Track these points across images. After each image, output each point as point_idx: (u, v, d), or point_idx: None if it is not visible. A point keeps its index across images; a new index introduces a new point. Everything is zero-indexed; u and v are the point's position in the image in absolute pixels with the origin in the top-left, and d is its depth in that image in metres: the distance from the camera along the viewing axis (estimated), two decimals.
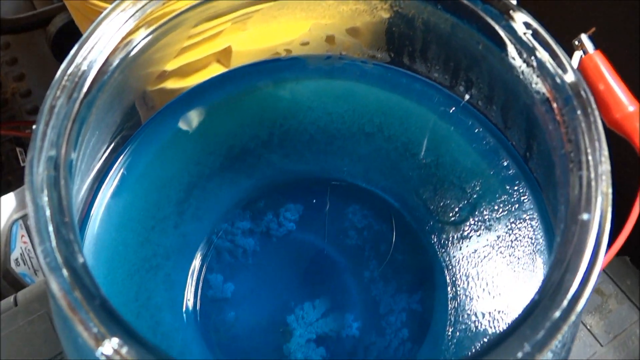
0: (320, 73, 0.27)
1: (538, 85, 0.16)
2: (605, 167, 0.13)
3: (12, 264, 0.51)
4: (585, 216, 0.13)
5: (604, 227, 0.12)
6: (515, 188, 0.24)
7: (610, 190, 0.13)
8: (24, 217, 0.54)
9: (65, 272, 0.12)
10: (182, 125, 0.25)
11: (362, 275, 0.27)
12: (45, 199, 0.13)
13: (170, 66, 0.24)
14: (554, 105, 0.15)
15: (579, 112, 0.15)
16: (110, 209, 0.24)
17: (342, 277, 0.27)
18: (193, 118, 0.25)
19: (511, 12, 0.16)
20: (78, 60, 0.16)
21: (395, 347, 0.26)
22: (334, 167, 0.28)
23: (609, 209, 0.13)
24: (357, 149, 0.28)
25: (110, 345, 0.12)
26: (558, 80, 0.15)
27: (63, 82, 0.15)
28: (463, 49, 0.20)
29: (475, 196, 0.26)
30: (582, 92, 0.15)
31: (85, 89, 0.15)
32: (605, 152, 0.14)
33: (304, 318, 0.25)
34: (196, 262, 0.26)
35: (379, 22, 0.22)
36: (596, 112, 0.14)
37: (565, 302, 0.12)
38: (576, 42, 0.20)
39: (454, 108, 0.25)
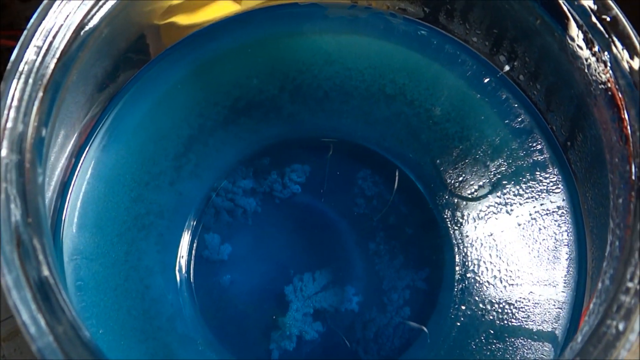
0: (342, 24, 0.24)
1: (606, 85, 0.13)
2: None
3: None
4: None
5: None
6: (547, 175, 0.22)
7: None
8: None
9: (26, 287, 0.10)
10: (184, 72, 0.22)
11: (367, 247, 0.26)
12: (7, 190, 0.11)
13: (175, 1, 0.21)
14: (623, 115, 0.13)
15: None
16: (100, 162, 0.22)
17: (345, 247, 0.26)
18: (197, 65, 0.23)
19: None
20: (52, 15, 0.13)
21: (395, 325, 0.25)
22: (347, 129, 0.26)
23: None
24: (375, 111, 0.26)
25: None
26: (635, 86, 0.13)
27: (33, 41, 0.12)
28: (514, 18, 0.17)
29: (499, 176, 0.24)
30: None
31: (61, 47, 0.12)
32: None
33: (302, 290, 0.24)
34: (192, 221, 0.25)
35: None
36: None
37: None
38: None
39: (489, 78, 0.22)
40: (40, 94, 0.12)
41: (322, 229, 0.26)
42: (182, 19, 0.21)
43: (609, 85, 0.13)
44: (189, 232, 0.24)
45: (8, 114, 0.11)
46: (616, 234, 0.12)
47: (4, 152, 0.11)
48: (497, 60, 0.21)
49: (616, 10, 0.13)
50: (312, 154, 0.26)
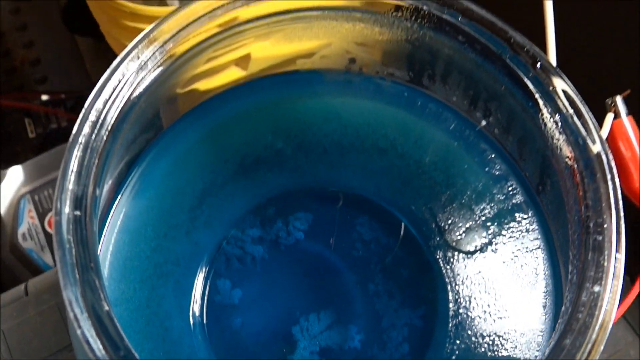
0: (338, 87, 0.27)
1: (559, 142, 0.16)
2: (621, 241, 0.14)
3: (20, 239, 0.52)
4: (596, 288, 0.13)
5: (614, 300, 0.13)
6: (525, 217, 0.25)
7: (622, 266, 0.13)
8: (32, 192, 0.55)
9: (89, 320, 0.12)
10: (199, 134, 0.25)
11: (366, 288, 0.28)
12: (72, 241, 0.13)
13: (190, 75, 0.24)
14: (574, 165, 0.15)
15: (598, 177, 0.15)
16: (126, 215, 0.24)
17: (347, 288, 0.28)
18: (210, 128, 0.26)
19: (539, 65, 0.16)
20: (105, 94, 0.16)
21: None
22: (345, 180, 0.29)
23: (620, 283, 0.13)
24: (369, 163, 0.28)
25: None
26: (581, 143, 0.15)
27: (90, 117, 0.15)
28: (485, 84, 0.20)
29: (483, 218, 0.27)
30: (605, 159, 0.15)
31: (112, 122, 0.15)
32: (622, 224, 0.14)
33: (308, 330, 0.26)
34: (205, 268, 0.27)
35: (401, 45, 0.22)
36: (617, 181, 0.15)
37: None
38: (609, 102, 0.20)
39: (469, 132, 0.25)
40: (96, 161, 0.15)
41: (324, 272, 0.28)
42: (200, 86, 0.24)
43: (561, 141, 0.16)
44: (203, 278, 0.27)
45: (71, 178, 0.14)
46: (574, 264, 0.14)
47: (67, 209, 0.14)
48: (475, 116, 0.24)
49: (563, 81, 0.16)
50: (314, 203, 0.29)
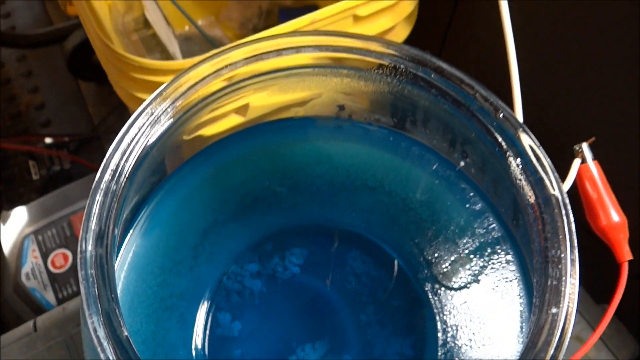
0: (329, 132, 0.29)
1: (522, 182, 0.18)
2: (575, 269, 0.16)
3: (23, 278, 0.53)
4: (554, 310, 0.15)
5: (569, 320, 0.15)
6: (502, 249, 0.27)
7: (576, 290, 0.15)
8: (36, 232, 0.56)
9: (110, 344, 0.14)
10: (201, 177, 0.27)
11: (359, 319, 0.29)
12: (94, 275, 0.15)
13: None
14: (535, 203, 0.18)
15: (556, 213, 0.17)
16: (135, 253, 0.26)
17: (341, 319, 0.30)
18: (212, 171, 0.28)
19: (501, 115, 0.19)
20: (123, 146, 0.18)
21: None
22: (338, 217, 0.31)
23: (574, 305, 0.15)
24: (359, 201, 0.30)
25: None
26: (539, 183, 0.18)
27: (110, 166, 0.17)
28: (459, 130, 0.23)
29: (466, 252, 0.29)
30: (560, 197, 0.17)
31: (129, 170, 0.17)
32: (576, 254, 0.16)
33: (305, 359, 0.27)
34: (207, 302, 0.28)
35: (385, 96, 0.25)
36: (571, 216, 0.17)
37: None
38: (577, 148, 0.23)
39: (449, 172, 0.28)
40: (115, 204, 0.17)
41: (319, 304, 0.30)
42: (204, 132, 0.26)
43: (523, 181, 0.18)
44: (205, 311, 0.28)
45: (94, 219, 0.16)
46: (537, 290, 0.16)
47: (90, 247, 0.16)
48: (454, 157, 0.26)
49: (522, 128, 0.19)
50: (309, 239, 0.31)
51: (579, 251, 0.16)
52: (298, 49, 0.22)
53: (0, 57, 0.82)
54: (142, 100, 0.33)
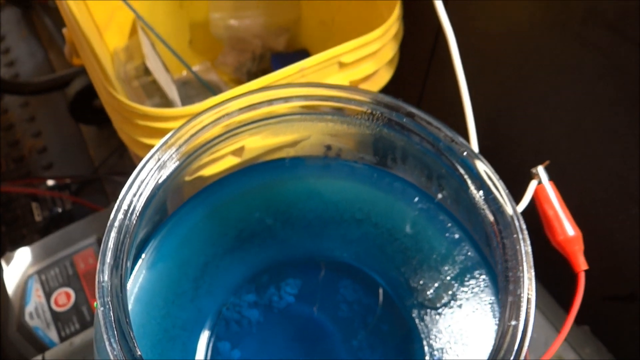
0: (318, 170, 0.32)
1: (485, 211, 0.21)
2: (531, 286, 0.18)
3: (27, 317, 0.54)
4: (513, 322, 0.17)
5: (527, 331, 0.17)
6: (479, 274, 0.29)
7: (533, 305, 0.18)
8: (39, 272, 0.58)
9: None
10: (202, 214, 0.30)
11: (351, 344, 0.31)
12: (110, 302, 0.17)
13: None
14: (496, 229, 0.20)
15: (514, 238, 0.19)
16: (140, 286, 0.28)
17: (334, 345, 0.31)
18: (211, 208, 0.30)
19: (465, 152, 0.21)
20: (133, 189, 0.20)
21: None
22: (329, 248, 0.33)
23: (532, 318, 0.17)
24: (348, 233, 0.33)
25: None
26: (500, 212, 0.20)
27: (123, 206, 0.20)
28: (432, 167, 0.25)
29: (448, 278, 0.31)
30: (517, 223, 0.20)
31: (139, 209, 0.20)
32: (532, 273, 0.18)
33: None
34: (208, 332, 0.30)
35: (367, 136, 0.28)
36: (527, 239, 0.19)
37: None
38: (533, 171, 0.26)
39: (429, 204, 0.30)
40: (128, 240, 0.19)
41: (314, 331, 0.32)
42: (204, 173, 0.29)
43: (486, 210, 0.20)
44: (205, 341, 0.30)
45: (109, 254, 0.18)
46: (501, 305, 0.19)
47: (106, 278, 0.18)
48: (432, 191, 0.29)
49: (483, 162, 0.21)
50: (302, 270, 0.33)
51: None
52: (287, 99, 0.24)
53: (4, 103, 0.86)
54: (145, 145, 0.36)
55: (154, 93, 0.59)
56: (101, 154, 0.80)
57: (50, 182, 0.74)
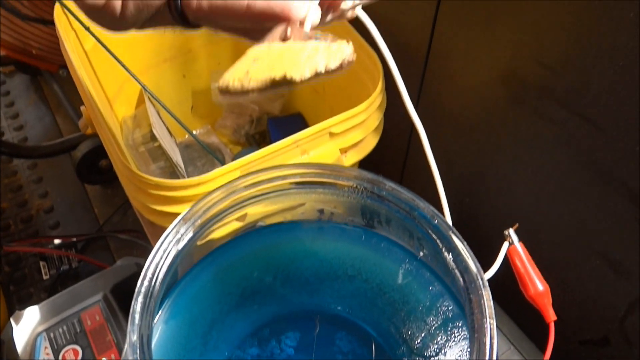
0: (313, 232, 0.36)
1: (455, 270, 0.24)
2: (493, 332, 0.21)
3: None
4: None
5: None
6: (460, 325, 0.32)
7: (495, 348, 0.21)
8: (48, 330, 0.60)
9: None
10: (209, 275, 0.33)
11: None
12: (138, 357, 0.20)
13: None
14: (464, 286, 0.24)
15: (479, 294, 0.23)
16: (155, 344, 0.31)
17: None
18: (218, 270, 0.34)
19: (436, 220, 0.25)
20: (156, 259, 0.24)
21: None
22: (324, 302, 0.36)
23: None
24: (342, 289, 0.36)
25: None
26: (466, 270, 0.24)
27: (148, 274, 0.23)
28: (412, 230, 0.29)
29: (434, 328, 0.34)
30: (480, 281, 0.23)
31: (161, 276, 0.23)
32: (493, 323, 0.22)
33: None
34: None
35: (354, 204, 0.32)
36: (489, 294, 0.23)
37: None
38: (506, 233, 0.30)
39: (413, 261, 0.34)
40: (153, 303, 0.22)
41: None
42: (214, 235, 0.32)
43: (455, 269, 0.24)
44: None
45: (136, 316, 0.22)
46: (470, 349, 0.22)
47: (135, 337, 0.21)
48: (415, 249, 0.33)
49: (451, 230, 0.25)
50: (301, 323, 0.36)
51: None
52: (284, 177, 0.29)
53: (13, 166, 0.90)
54: (156, 211, 0.39)
55: (159, 157, 0.63)
56: (105, 211, 0.83)
57: (57, 241, 0.77)
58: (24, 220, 0.83)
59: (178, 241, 0.26)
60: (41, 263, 0.76)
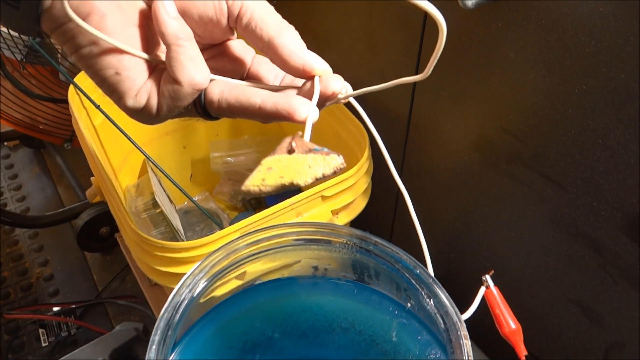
0: (308, 287, 0.38)
1: (436, 315, 0.27)
2: None
3: None
4: None
5: None
6: None
7: None
8: None
9: None
10: (212, 330, 0.36)
11: None
12: None
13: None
14: (444, 328, 0.26)
15: (458, 335, 0.26)
16: None
17: None
18: (220, 325, 0.36)
19: (418, 270, 0.28)
20: (167, 314, 0.27)
21: None
22: (320, 354, 0.39)
23: None
24: (337, 340, 0.39)
25: None
26: (446, 314, 0.27)
27: (161, 325, 0.26)
28: (398, 281, 0.32)
29: None
30: (458, 323, 0.26)
31: (172, 327, 0.26)
32: (471, 358, 0.25)
33: None
34: None
35: (346, 259, 0.35)
36: (466, 335, 0.26)
37: None
38: (483, 279, 0.33)
39: (402, 312, 0.36)
40: (169, 341, 0.25)
41: None
42: (215, 293, 0.35)
43: (437, 314, 0.27)
44: None
45: (154, 346, 0.24)
46: None
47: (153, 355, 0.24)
48: (403, 300, 0.36)
49: (431, 278, 0.28)
50: None
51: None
52: (281, 235, 0.32)
53: (14, 235, 0.92)
54: (160, 271, 0.42)
55: (160, 223, 0.66)
56: (104, 278, 0.85)
57: (56, 308, 0.79)
58: (24, 289, 0.85)
59: (185, 295, 0.29)
60: (40, 330, 0.76)
